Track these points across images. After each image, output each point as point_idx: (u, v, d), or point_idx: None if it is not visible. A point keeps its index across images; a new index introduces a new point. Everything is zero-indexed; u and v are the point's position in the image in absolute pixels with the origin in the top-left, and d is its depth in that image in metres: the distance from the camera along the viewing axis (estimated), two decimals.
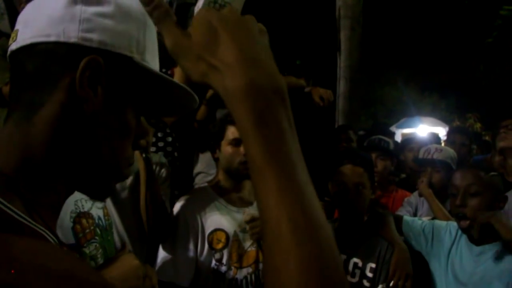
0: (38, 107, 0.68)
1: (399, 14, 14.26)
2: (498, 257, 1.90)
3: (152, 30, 0.79)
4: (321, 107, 3.21)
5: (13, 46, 0.72)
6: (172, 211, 2.17)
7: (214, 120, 2.49)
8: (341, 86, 6.70)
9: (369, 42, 9.30)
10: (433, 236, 2.16)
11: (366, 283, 2.10)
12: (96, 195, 0.79)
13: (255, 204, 2.07)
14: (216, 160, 2.25)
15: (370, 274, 2.11)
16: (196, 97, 0.81)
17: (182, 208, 2.13)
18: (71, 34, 0.69)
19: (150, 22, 0.77)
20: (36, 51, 0.69)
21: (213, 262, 2.04)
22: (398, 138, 9.94)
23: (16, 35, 0.72)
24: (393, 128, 12.03)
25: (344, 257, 2.16)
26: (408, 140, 4.23)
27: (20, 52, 0.71)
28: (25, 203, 0.63)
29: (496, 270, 1.88)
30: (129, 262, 1.30)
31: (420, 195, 2.91)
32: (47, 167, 0.68)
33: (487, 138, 4.55)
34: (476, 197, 1.93)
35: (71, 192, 0.74)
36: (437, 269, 2.11)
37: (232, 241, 2.07)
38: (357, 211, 2.20)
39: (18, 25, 0.73)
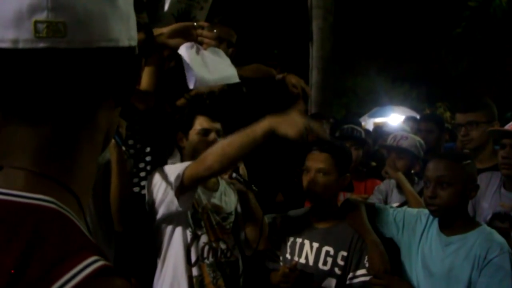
0: (79, 123, 0.62)
1: (371, 5, 14.37)
2: (467, 248, 1.92)
3: None
4: (295, 96, 3.20)
5: (62, 44, 0.56)
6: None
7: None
8: (314, 76, 6.72)
9: (341, 32, 9.35)
10: (404, 224, 2.18)
11: (337, 271, 2.13)
12: None
13: (218, 192, 2.23)
14: (181, 148, 2.27)
15: (341, 262, 2.13)
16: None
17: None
18: (123, 36, 0.61)
19: None
20: (94, 57, 0.59)
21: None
22: (370, 127, 10.07)
23: (65, 30, 0.56)
24: (365, 118, 12.15)
25: (316, 245, 2.18)
26: (382, 131, 4.23)
27: (70, 54, 0.57)
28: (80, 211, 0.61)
29: (464, 260, 1.91)
30: None
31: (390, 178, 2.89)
32: (88, 173, 0.65)
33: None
34: (447, 188, 1.94)
35: None
36: (408, 257, 2.13)
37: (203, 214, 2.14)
38: (320, 198, 2.20)
39: (61, 14, 0.56)
